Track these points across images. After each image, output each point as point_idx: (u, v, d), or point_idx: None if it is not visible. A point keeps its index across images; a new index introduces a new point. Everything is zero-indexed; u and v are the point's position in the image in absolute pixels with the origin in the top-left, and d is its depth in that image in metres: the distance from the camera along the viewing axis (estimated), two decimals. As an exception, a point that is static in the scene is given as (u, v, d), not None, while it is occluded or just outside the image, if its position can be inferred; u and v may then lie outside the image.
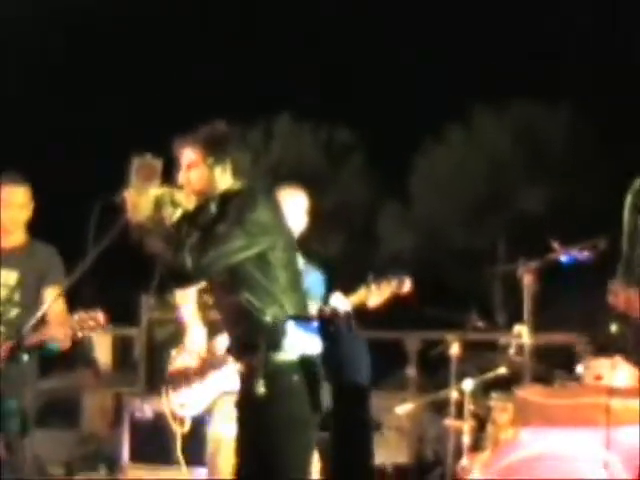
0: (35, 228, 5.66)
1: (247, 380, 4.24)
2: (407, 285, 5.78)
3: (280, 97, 24.68)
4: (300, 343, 4.22)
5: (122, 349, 10.97)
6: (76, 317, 5.09)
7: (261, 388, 4.13)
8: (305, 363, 4.20)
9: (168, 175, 4.35)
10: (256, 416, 4.19)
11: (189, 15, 25.57)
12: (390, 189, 25.16)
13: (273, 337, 4.17)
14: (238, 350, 4.36)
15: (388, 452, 8.63)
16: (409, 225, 25.64)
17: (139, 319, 8.90)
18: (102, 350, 11.04)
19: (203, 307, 5.82)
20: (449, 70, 24.39)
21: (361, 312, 5.53)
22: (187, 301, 5.74)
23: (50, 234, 5.63)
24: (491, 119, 25.12)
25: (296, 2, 25.95)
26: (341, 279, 5.93)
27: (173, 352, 5.76)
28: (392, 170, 24.39)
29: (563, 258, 6.41)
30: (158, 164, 4.23)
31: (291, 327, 4.19)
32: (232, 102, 21.23)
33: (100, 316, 5.07)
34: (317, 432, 4.33)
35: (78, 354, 10.16)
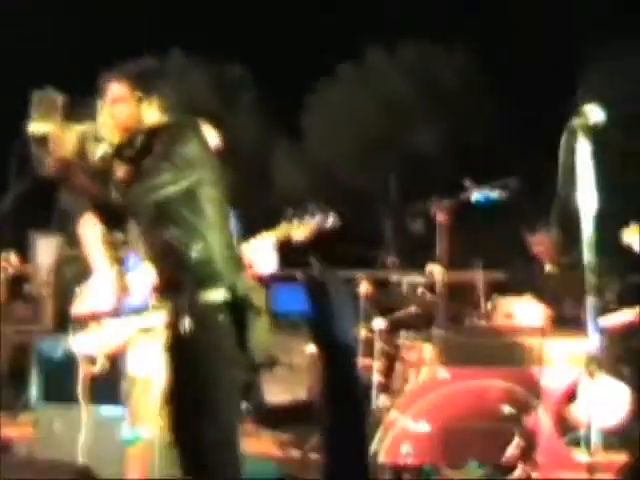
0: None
1: (172, 317, 4.18)
2: (331, 220, 5.73)
3: (170, 32, 24.25)
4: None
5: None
6: None
7: (187, 325, 4.09)
8: (233, 304, 4.15)
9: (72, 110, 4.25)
10: (182, 352, 4.14)
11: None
12: (282, 127, 25.05)
13: (199, 275, 4.13)
14: (163, 287, 4.29)
15: (287, 389, 8.69)
16: (301, 164, 25.59)
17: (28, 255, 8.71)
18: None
19: (111, 245, 5.71)
20: (343, 8, 24.28)
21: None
22: (89, 234, 5.57)
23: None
24: (384, 58, 25.11)
25: None
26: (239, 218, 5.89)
27: (79, 290, 5.64)
28: (284, 108, 24.22)
29: (476, 196, 6.47)
30: (59, 98, 4.14)
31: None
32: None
33: (13, 258, 4.89)
34: (244, 372, 4.31)
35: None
